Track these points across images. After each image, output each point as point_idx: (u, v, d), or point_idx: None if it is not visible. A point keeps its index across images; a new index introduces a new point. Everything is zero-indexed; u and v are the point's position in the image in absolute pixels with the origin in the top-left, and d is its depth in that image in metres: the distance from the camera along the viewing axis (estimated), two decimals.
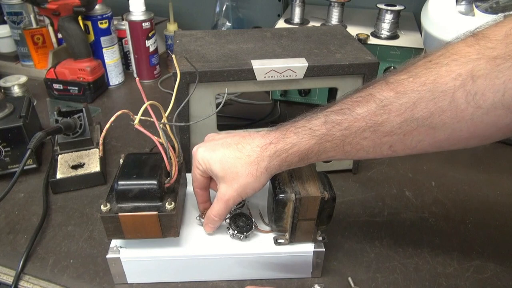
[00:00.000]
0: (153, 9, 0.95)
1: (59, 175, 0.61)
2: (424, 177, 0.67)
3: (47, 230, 0.56)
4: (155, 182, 0.43)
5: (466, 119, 0.34)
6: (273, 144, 0.41)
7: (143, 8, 0.91)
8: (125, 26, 0.94)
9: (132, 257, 0.46)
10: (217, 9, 1.09)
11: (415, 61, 0.37)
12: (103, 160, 0.66)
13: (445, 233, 0.56)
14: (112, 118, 0.41)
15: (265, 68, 0.55)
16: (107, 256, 0.45)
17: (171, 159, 0.45)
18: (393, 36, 0.82)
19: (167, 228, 0.44)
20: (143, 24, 0.91)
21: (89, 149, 0.67)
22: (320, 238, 0.47)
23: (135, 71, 0.99)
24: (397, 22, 0.82)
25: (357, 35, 0.81)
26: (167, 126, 0.47)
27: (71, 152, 0.66)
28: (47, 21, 0.96)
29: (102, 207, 0.42)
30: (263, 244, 0.47)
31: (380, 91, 0.37)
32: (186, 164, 0.61)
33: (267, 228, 0.49)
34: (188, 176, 0.56)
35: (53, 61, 0.92)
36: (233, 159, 0.42)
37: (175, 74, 0.51)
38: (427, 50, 0.73)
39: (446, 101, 0.34)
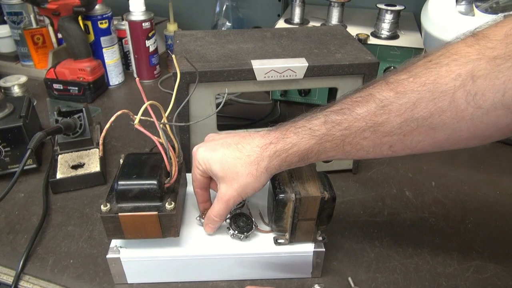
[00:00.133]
0: (153, 9, 0.96)
1: (59, 175, 0.61)
2: (424, 177, 0.67)
3: (47, 230, 0.56)
4: (155, 182, 0.43)
5: (466, 119, 0.34)
6: (273, 144, 0.41)
7: (143, 8, 0.91)
8: (125, 26, 0.94)
9: (132, 257, 0.46)
10: (217, 9, 1.09)
11: (415, 61, 0.37)
12: (103, 160, 0.66)
13: (445, 233, 0.56)
14: (112, 118, 0.41)
15: (265, 68, 0.55)
16: (107, 256, 0.45)
17: (171, 159, 0.45)
18: (393, 36, 0.82)
19: (167, 228, 0.44)
20: (143, 24, 0.91)
21: (89, 149, 0.67)
22: (320, 238, 0.47)
23: (135, 71, 0.99)
24: (397, 22, 0.82)
25: (357, 35, 0.81)
26: (167, 126, 0.47)
27: (71, 152, 0.66)
28: (47, 21, 0.96)
29: (102, 207, 0.42)
30: (263, 244, 0.47)
31: (380, 91, 0.37)
32: (186, 164, 0.61)
33: (267, 228, 0.49)
34: (188, 176, 0.56)
35: (53, 61, 0.92)
36: (233, 159, 0.42)
37: (175, 74, 0.51)
38: (427, 50, 0.73)
39: (446, 101, 0.34)
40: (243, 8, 1.14)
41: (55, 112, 0.65)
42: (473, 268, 0.51)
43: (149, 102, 0.42)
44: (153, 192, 0.43)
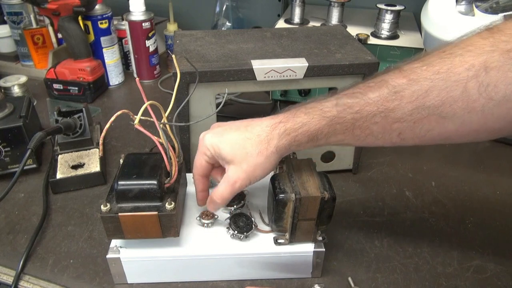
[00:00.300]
0: (153, 9, 0.95)
1: (59, 175, 0.61)
2: (424, 177, 0.67)
3: (47, 230, 0.56)
4: (155, 182, 0.43)
5: (477, 110, 0.34)
6: (282, 123, 0.41)
7: (143, 8, 0.91)
8: (125, 26, 0.94)
9: (132, 257, 0.46)
10: (217, 9, 1.09)
11: (428, 52, 0.37)
12: (103, 160, 0.66)
13: (445, 233, 0.56)
14: (112, 118, 0.41)
15: (265, 68, 0.55)
16: (107, 256, 0.45)
17: (171, 159, 0.45)
18: (393, 36, 0.82)
19: (167, 228, 0.44)
20: (143, 24, 0.91)
21: (89, 149, 0.67)
22: (320, 238, 0.47)
23: (135, 71, 0.99)
24: (397, 22, 0.82)
25: (357, 35, 0.81)
26: (167, 126, 0.47)
27: (71, 152, 0.66)
28: (47, 21, 0.96)
29: (102, 207, 0.42)
30: (263, 244, 0.47)
31: (393, 78, 0.37)
32: (186, 164, 0.61)
33: (267, 228, 0.49)
34: (188, 176, 0.56)
35: (53, 61, 0.92)
36: (243, 140, 0.42)
37: (175, 74, 0.51)
38: (427, 50, 0.73)
39: (458, 91, 0.34)
40: (243, 8, 1.14)
41: (55, 112, 0.65)
42: (473, 268, 0.51)
43: (149, 102, 0.42)
44: (153, 192, 0.43)
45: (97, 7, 0.89)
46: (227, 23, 1.09)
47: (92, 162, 0.65)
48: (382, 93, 0.37)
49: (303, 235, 0.46)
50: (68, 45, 0.87)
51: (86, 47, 0.87)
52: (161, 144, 0.44)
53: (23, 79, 0.85)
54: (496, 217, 0.59)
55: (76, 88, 0.88)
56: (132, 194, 0.43)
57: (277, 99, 0.88)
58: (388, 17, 0.81)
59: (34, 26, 0.95)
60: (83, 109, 0.67)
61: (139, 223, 0.43)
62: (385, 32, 0.82)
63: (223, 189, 0.44)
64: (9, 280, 0.49)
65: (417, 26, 0.89)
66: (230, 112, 0.86)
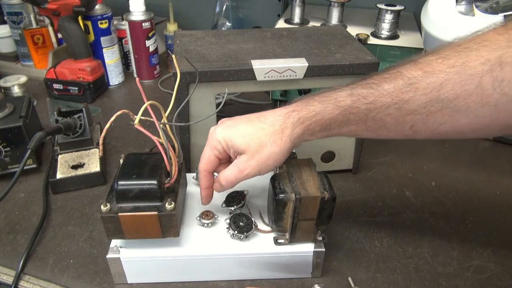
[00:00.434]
0: (153, 9, 0.96)
1: (59, 175, 0.61)
2: (424, 177, 0.67)
3: (47, 230, 0.56)
4: (155, 182, 0.43)
5: (491, 105, 0.34)
6: (296, 112, 0.41)
7: (143, 8, 0.91)
8: (125, 26, 0.94)
9: (132, 257, 0.46)
10: (217, 9, 1.09)
11: (444, 45, 0.37)
12: (103, 160, 0.66)
13: (445, 233, 0.56)
14: (112, 118, 0.41)
15: (265, 68, 0.55)
16: (107, 256, 0.45)
17: (171, 159, 0.45)
18: (393, 36, 0.82)
19: (167, 228, 0.44)
20: (143, 24, 0.91)
21: (89, 149, 0.67)
22: (320, 238, 0.47)
23: (135, 71, 0.99)
24: (397, 22, 0.82)
25: (357, 35, 0.81)
26: (167, 126, 0.47)
27: (71, 152, 0.66)
28: (47, 21, 0.96)
29: (102, 207, 0.42)
30: (263, 244, 0.47)
31: (409, 70, 0.37)
32: (186, 164, 0.61)
33: (267, 228, 0.49)
34: (188, 176, 0.56)
35: (53, 61, 0.92)
36: (257, 130, 0.42)
37: (175, 74, 0.51)
38: (427, 50, 0.73)
39: (473, 85, 0.34)
40: (243, 8, 1.14)
41: (55, 112, 0.65)
42: (473, 268, 0.51)
43: (149, 102, 0.42)
44: (153, 192, 0.43)
45: (97, 7, 0.89)
46: (227, 23, 1.09)
47: (92, 162, 0.65)
48: (397, 84, 0.37)
49: (303, 235, 0.46)
50: (68, 45, 0.87)
51: (86, 47, 0.87)
52: (161, 144, 0.44)
53: (23, 79, 0.85)
54: (496, 217, 0.59)
55: (76, 88, 0.88)
56: (132, 194, 0.43)
57: (277, 99, 0.87)
58: (388, 17, 0.81)
59: (34, 26, 0.95)
60: (83, 109, 0.67)
61: (139, 223, 0.43)
62: (385, 32, 0.82)
63: (230, 173, 0.44)
64: (9, 280, 0.49)
65: (417, 26, 0.89)
66: (230, 112, 0.85)
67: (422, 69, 0.37)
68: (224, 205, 0.51)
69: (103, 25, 0.91)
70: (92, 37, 0.91)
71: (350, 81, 0.58)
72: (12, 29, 0.97)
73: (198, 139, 0.60)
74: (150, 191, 0.43)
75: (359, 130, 0.41)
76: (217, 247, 0.46)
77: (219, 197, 0.51)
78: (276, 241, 0.47)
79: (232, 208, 0.50)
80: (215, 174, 0.47)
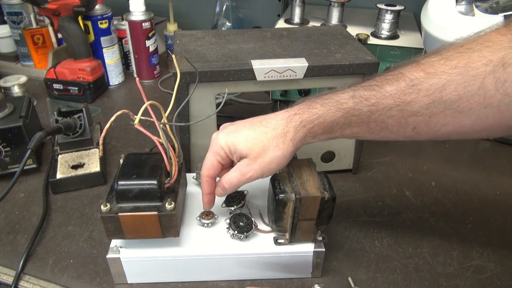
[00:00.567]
0: (153, 9, 0.96)
1: (59, 175, 0.61)
2: (424, 177, 0.67)
3: (47, 230, 0.56)
4: (155, 182, 0.43)
5: (493, 106, 0.34)
6: (298, 115, 0.41)
7: (143, 8, 0.91)
8: (125, 26, 0.94)
9: (132, 257, 0.46)
10: (217, 9, 1.09)
11: (445, 46, 0.37)
12: (103, 160, 0.66)
13: (445, 233, 0.56)
14: (112, 118, 0.41)
15: (265, 68, 0.55)
16: (107, 256, 0.45)
17: (171, 159, 0.45)
18: (393, 36, 0.82)
19: (167, 228, 0.44)
20: (143, 24, 0.91)
21: (89, 149, 0.67)
22: (320, 238, 0.47)
23: (135, 71, 0.99)
24: (397, 22, 0.82)
25: (357, 35, 0.81)
26: (167, 126, 0.47)
27: (71, 152, 0.66)
28: (47, 21, 0.96)
29: (102, 207, 0.42)
30: (263, 244, 0.47)
31: (411, 71, 0.37)
32: (186, 164, 0.61)
33: (267, 228, 0.49)
34: (188, 176, 0.56)
35: (53, 61, 0.92)
36: (259, 134, 0.42)
37: (175, 74, 0.51)
38: (427, 50, 0.73)
39: (476, 86, 0.34)
40: (243, 8, 1.14)
41: (55, 112, 0.65)
42: (473, 268, 0.51)
43: (149, 102, 0.42)
44: (153, 192, 0.43)
45: (97, 7, 0.89)
46: (227, 23, 1.09)
47: (92, 162, 0.65)
48: (399, 86, 0.37)
49: (303, 235, 0.46)
50: (68, 45, 0.87)
51: (86, 47, 0.87)
52: (161, 144, 0.44)
53: (23, 79, 0.85)
54: (496, 217, 0.59)
55: (76, 88, 0.88)
56: (132, 194, 0.43)
57: (277, 99, 0.87)
58: (388, 17, 0.81)
59: (34, 26, 0.95)
60: (83, 109, 0.67)
61: (139, 223, 0.43)
62: (385, 32, 0.82)
63: (233, 176, 0.44)
64: (9, 280, 0.49)
65: (417, 26, 0.89)
66: (230, 112, 0.86)
67: (424, 70, 0.36)
68: (224, 205, 0.51)
69: (103, 25, 0.91)
70: (92, 37, 0.91)
71: (350, 81, 0.58)
72: (12, 29, 0.97)
73: (198, 139, 0.60)
74: (150, 191, 0.43)
75: (361, 132, 0.41)
76: (217, 247, 0.46)
77: (219, 197, 0.51)
78: (276, 241, 0.47)
79: (232, 208, 0.50)
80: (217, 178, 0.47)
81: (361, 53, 0.59)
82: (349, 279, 0.48)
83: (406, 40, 0.82)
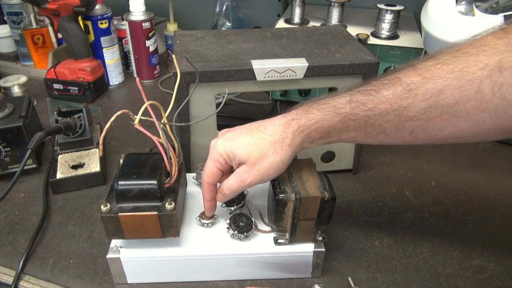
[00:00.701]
0: (153, 9, 0.96)
1: (59, 175, 0.61)
2: (424, 177, 0.67)
3: (47, 230, 0.56)
4: (155, 182, 0.43)
5: (490, 110, 0.34)
6: (295, 120, 0.41)
7: (143, 8, 0.91)
8: (125, 26, 0.94)
9: (132, 257, 0.46)
10: (217, 9, 1.09)
11: (442, 50, 0.37)
12: (103, 160, 0.66)
13: (445, 233, 0.56)
14: (112, 118, 0.41)
15: (265, 68, 0.55)
16: (107, 256, 0.45)
17: (171, 159, 0.45)
18: (393, 36, 0.82)
19: (167, 228, 0.44)
20: (143, 24, 0.91)
21: (89, 149, 0.67)
22: (320, 238, 0.47)
23: (135, 71, 0.99)
24: (397, 22, 0.82)
25: (357, 35, 0.81)
26: (167, 126, 0.47)
27: (71, 152, 0.66)
28: (47, 21, 0.96)
29: (102, 207, 0.42)
30: (263, 244, 0.47)
31: (407, 76, 0.37)
32: (186, 164, 0.61)
33: (267, 228, 0.49)
34: (188, 176, 0.56)
35: (53, 61, 0.92)
36: (257, 140, 0.42)
37: (175, 74, 0.51)
38: (427, 50, 0.73)
39: (472, 90, 0.34)
40: (243, 8, 1.14)
41: (55, 112, 0.65)
42: (473, 268, 0.51)
43: (149, 102, 0.42)
44: (153, 192, 0.43)
45: (97, 7, 0.89)
46: (227, 23, 1.09)
47: (92, 162, 0.65)
48: (396, 90, 0.37)
49: (303, 235, 0.46)
50: (68, 45, 0.87)
51: (86, 47, 0.87)
52: (161, 144, 0.44)
53: (23, 79, 0.85)
54: (496, 217, 0.59)
55: (76, 88, 0.88)
56: (132, 194, 0.43)
57: (277, 99, 0.88)
58: (388, 17, 0.81)
59: (34, 26, 0.95)
60: (83, 109, 0.67)
61: (139, 223, 0.43)
62: (385, 32, 0.82)
63: (233, 183, 0.44)
64: (9, 280, 0.49)
65: (417, 26, 0.89)
66: (230, 112, 0.86)
67: (421, 75, 0.36)
68: (224, 205, 0.51)
69: (103, 25, 0.91)
70: (92, 37, 0.91)
71: (350, 81, 0.58)
72: (12, 29, 0.97)
73: (198, 139, 0.60)
74: (150, 191, 0.43)
75: (358, 137, 0.41)
76: (217, 247, 0.46)
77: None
78: (276, 241, 0.47)
79: (232, 208, 0.50)
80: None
81: (361, 53, 0.59)
82: (349, 279, 0.48)
83: (406, 40, 0.82)
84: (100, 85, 0.92)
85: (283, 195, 0.43)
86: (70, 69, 0.87)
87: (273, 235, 0.48)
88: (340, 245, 0.54)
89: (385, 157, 0.72)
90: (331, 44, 0.63)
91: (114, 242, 0.47)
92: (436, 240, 0.55)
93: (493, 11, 0.63)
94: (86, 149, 0.67)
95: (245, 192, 0.52)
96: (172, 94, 0.49)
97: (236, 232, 0.46)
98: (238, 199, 0.50)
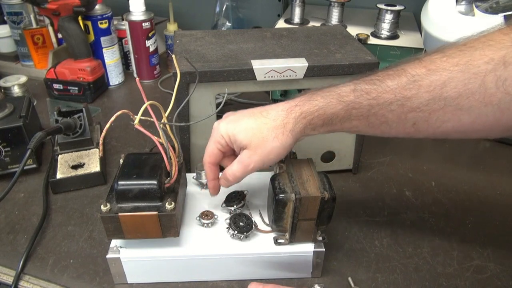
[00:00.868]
0: (153, 9, 0.96)
1: (59, 175, 0.61)
2: (424, 177, 0.67)
3: (47, 230, 0.56)
4: (155, 182, 0.43)
5: (493, 104, 0.34)
6: (298, 106, 0.41)
7: (143, 8, 0.91)
8: (125, 26, 0.94)
9: (132, 257, 0.46)
10: (217, 9, 1.09)
11: (448, 44, 0.38)
12: (103, 160, 0.66)
13: (445, 233, 0.56)
14: (112, 118, 0.41)
15: (265, 68, 0.55)
16: (107, 256, 0.45)
17: (171, 159, 0.45)
18: (393, 36, 0.83)
19: (167, 228, 0.44)
20: (143, 24, 0.91)
21: (89, 149, 0.67)
22: (320, 238, 0.47)
23: (135, 71, 0.99)
24: (397, 22, 0.82)
25: (357, 35, 0.81)
26: (167, 126, 0.47)
27: (71, 152, 0.66)
28: (47, 21, 0.96)
29: (102, 207, 0.42)
30: (263, 244, 0.47)
31: (413, 67, 0.38)
32: (186, 164, 0.61)
33: (267, 228, 0.49)
34: (188, 176, 0.56)
35: (53, 61, 0.92)
36: (259, 125, 0.42)
37: (175, 74, 0.51)
38: (427, 50, 0.73)
39: (476, 83, 0.34)
40: (243, 8, 1.14)
41: (55, 112, 0.65)
42: (473, 268, 0.51)
43: (149, 102, 0.42)
44: (153, 192, 0.43)
45: (97, 7, 0.89)
46: (227, 23, 1.09)
47: (92, 162, 0.65)
48: (400, 81, 0.38)
49: (303, 235, 0.46)
50: (68, 45, 0.87)
51: (86, 47, 0.87)
52: (161, 144, 0.44)
53: (23, 79, 0.85)
54: (496, 217, 0.59)
55: (76, 88, 0.88)
56: (132, 194, 0.43)
57: (277, 99, 0.87)
58: (388, 17, 0.81)
59: (34, 26, 0.95)
60: (83, 109, 0.67)
61: (139, 223, 0.43)
62: (385, 32, 0.83)
63: (236, 169, 0.44)
64: (9, 280, 0.49)
65: (417, 26, 0.89)
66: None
67: (426, 67, 0.37)
68: (224, 205, 0.51)
69: (103, 25, 0.91)
70: (92, 37, 0.91)
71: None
72: (12, 29, 0.97)
73: (198, 139, 0.60)
74: (150, 191, 0.43)
75: (360, 126, 0.41)
76: (217, 247, 0.46)
77: (219, 197, 0.51)
78: (276, 241, 0.47)
79: (232, 208, 0.50)
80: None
81: (361, 53, 0.59)
82: (349, 279, 0.48)
83: (406, 40, 0.82)
84: (100, 85, 0.92)
85: (283, 195, 0.43)
86: (70, 69, 0.87)
87: (273, 235, 0.48)
88: (340, 245, 0.54)
89: (385, 157, 0.72)
90: (331, 44, 0.63)
91: (114, 242, 0.47)
92: (436, 240, 0.55)
93: (493, 11, 0.63)
94: (86, 149, 0.67)
95: (245, 192, 0.52)
96: (172, 94, 0.49)
97: (236, 232, 0.46)
98: (238, 199, 0.50)
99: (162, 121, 0.45)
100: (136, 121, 0.40)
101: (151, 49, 0.96)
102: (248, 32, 0.67)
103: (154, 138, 0.43)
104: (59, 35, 0.97)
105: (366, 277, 0.49)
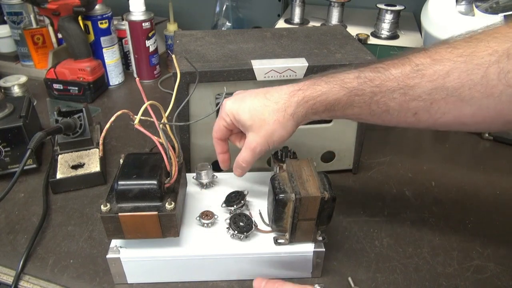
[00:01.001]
0: (153, 9, 0.96)
1: (59, 175, 0.61)
2: (424, 177, 0.67)
3: (47, 230, 0.56)
4: (155, 182, 0.43)
5: (495, 96, 0.34)
6: (301, 91, 0.42)
7: (143, 8, 0.91)
8: (125, 26, 0.94)
9: (132, 257, 0.46)
10: (217, 9, 1.09)
11: (454, 36, 0.38)
12: (103, 160, 0.66)
13: (445, 233, 0.56)
14: (112, 118, 0.41)
15: (265, 68, 0.55)
16: (107, 256, 0.45)
17: (171, 159, 0.45)
18: (393, 36, 0.83)
19: (167, 228, 0.44)
20: (143, 24, 0.91)
21: (89, 149, 0.67)
22: (320, 238, 0.47)
23: (135, 71, 0.99)
24: (397, 22, 0.82)
25: (357, 35, 0.81)
26: (167, 126, 0.47)
27: (71, 152, 0.66)
28: (47, 21, 0.96)
29: (102, 207, 0.42)
30: (263, 244, 0.47)
31: (417, 57, 0.38)
32: (186, 164, 0.61)
33: (267, 228, 0.49)
34: (188, 176, 0.56)
35: (53, 61, 0.92)
36: (261, 106, 0.43)
37: (175, 74, 0.51)
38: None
39: (479, 74, 0.34)
40: (243, 8, 1.14)
41: (55, 112, 0.65)
42: (473, 268, 0.51)
43: (149, 102, 0.42)
44: (153, 192, 0.43)
45: (97, 7, 0.89)
46: (227, 23, 1.09)
47: (92, 162, 0.65)
48: (404, 69, 0.38)
49: (303, 235, 0.46)
50: (68, 45, 0.87)
51: (86, 47, 0.87)
52: (161, 144, 0.44)
53: (23, 79, 0.85)
54: (496, 217, 0.59)
55: (76, 88, 0.88)
56: (132, 194, 0.43)
57: None
58: (388, 17, 0.82)
59: (34, 26, 0.95)
60: (83, 109, 0.67)
61: (139, 223, 0.43)
62: (385, 32, 0.83)
63: (245, 155, 0.46)
64: (9, 280, 0.49)
65: (417, 26, 0.89)
66: None
67: (430, 57, 0.37)
68: (224, 205, 0.51)
69: (103, 25, 0.91)
70: (92, 37, 0.91)
71: None
72: (12, 29, 0.97)
73: (198, 139, 0.60)
74: (150, 191, 0.43)
75: (362, 114, 0.41)
76: (217, 247, 0.46)
77: (219, 197, 0.51)
78: (276, 241, 0.47)
79: (232, 208, 0.50)
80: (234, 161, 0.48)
81: (361, 53, 0.59)
82: (349, 279, 0.48)
83: (406, 40, 0.82)
84: (100, 85, 0.92)
85: (283, 195, 0.43)
86: (70, 69, 0.87)
87: (273, 235, 0.48)
88: (340, 245, 0.54)
89: (385, 157, 0.72)
90: (331, 44, 0.63)
91: (114, 242, 0.47)
92: (436, 240, 0.55)
93: (493, 11, 0.63)
94: (86, 149, 0.67)
95: (245, 192, 0.52)
96: (172, 94, 0.49)
97: (236, 232, 0.46)
98: (238, 199, 0.50)
99: (162, 121, 0.45)
100: (136, 121, 0.40)
101: (151, 49, 0.96)
102: (248, 32, 0.67)
103: (154, 138, 0.43)
104: (59, 35, 0.97)
105: (366, 277, 0.49)
